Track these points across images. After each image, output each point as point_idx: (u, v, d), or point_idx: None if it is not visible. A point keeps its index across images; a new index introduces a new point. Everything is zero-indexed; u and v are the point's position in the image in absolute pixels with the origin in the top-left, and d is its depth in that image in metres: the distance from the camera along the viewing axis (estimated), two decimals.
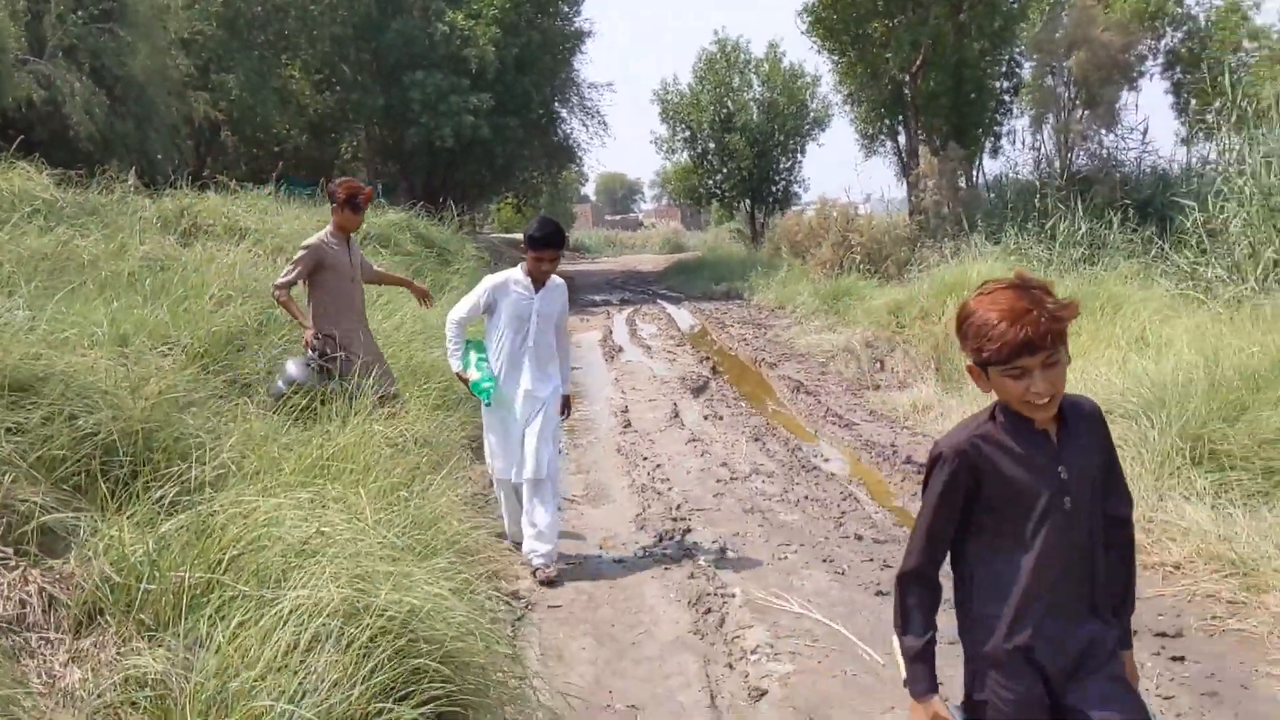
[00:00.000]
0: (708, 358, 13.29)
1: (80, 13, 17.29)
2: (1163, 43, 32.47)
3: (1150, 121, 63.86)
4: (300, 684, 2.76)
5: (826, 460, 7.87)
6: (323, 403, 5.40)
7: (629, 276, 32.33)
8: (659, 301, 23.08)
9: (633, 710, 3.96)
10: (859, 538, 5.89)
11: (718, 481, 7.25)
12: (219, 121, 21.88)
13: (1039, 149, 22.69)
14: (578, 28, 29.69)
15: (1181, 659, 4.19)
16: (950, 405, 8.88)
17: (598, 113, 31.63)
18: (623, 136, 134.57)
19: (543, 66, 26.79)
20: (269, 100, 22.75)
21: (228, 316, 6.78)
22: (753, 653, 4.39)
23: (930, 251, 18.94)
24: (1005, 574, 2.23)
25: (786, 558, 5.61)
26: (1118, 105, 21.48)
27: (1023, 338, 2.05)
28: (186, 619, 3.05)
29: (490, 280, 5.68)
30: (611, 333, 16.71)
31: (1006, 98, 27.25)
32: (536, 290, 5.58)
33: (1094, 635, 2.24)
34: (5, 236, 7.76)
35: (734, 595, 5.05)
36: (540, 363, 5.61)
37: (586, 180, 79.74)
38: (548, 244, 5.46)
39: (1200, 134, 20.41)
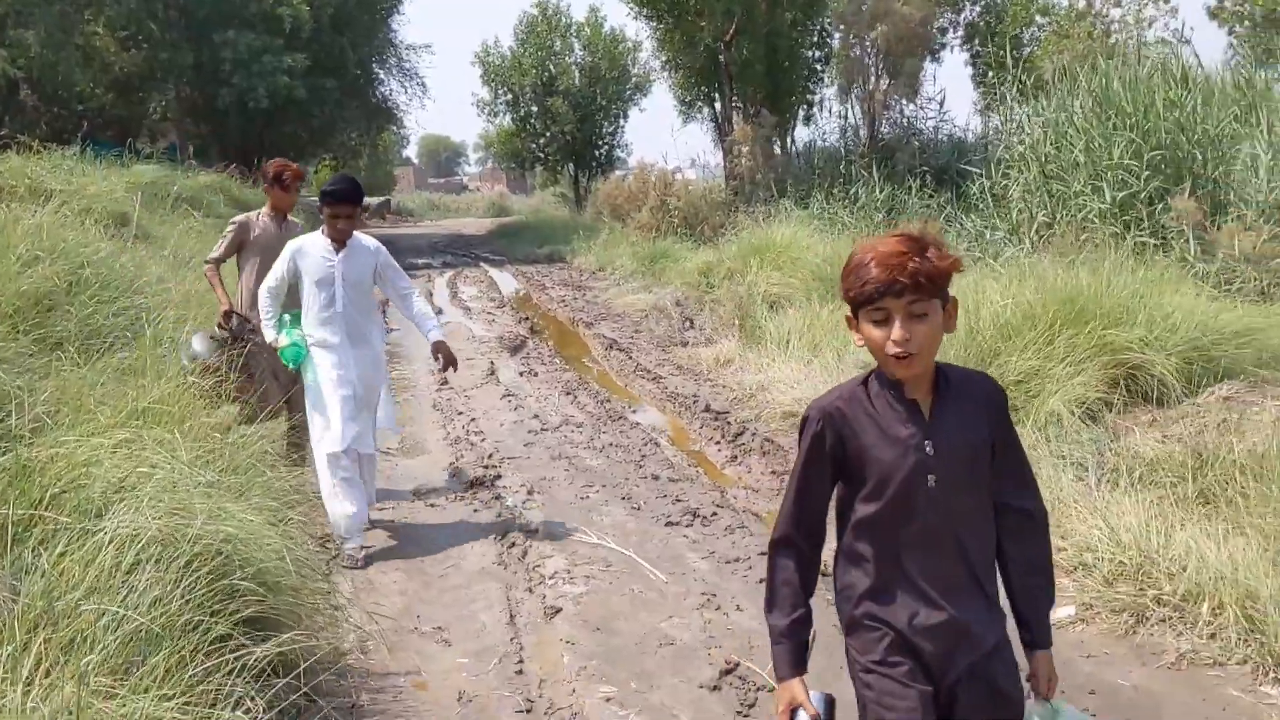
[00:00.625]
0: (526, 318, 13.66)
1: None
2: (962, 16, 34.25)
3: (952, 92, 66.93)
4: (123, 601, 3.06)
5: (633, 411, 8.38)
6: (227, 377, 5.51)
7: (452, 240, 32.29)
8: (481, 265, 23.25)
9: (438, 630, 4.35)
10: (655, 478, 6.41)
11: (529, 433, 7.66)
12: (17, 80, 20.88)
13: (845, 118, 23.83)
14: None
15: None
16: (750, 359, 9.49)
17: (416, 74, 31.39)
18: (446, 99, 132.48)
19: (360, 26, 26.44)
20: (71, 58, 21.84)
21: (36, 276, 6.77)
22: (550, 578, 4.84)
23: (745, 216, 19.67)
24: (865, 547, 2.13)
25: (588, 497, 6.08)
26: (919, 76, 22.71)
27: (888, 276, 1.97)
28: (11, 551, 3.28)
29: (292, 244, 5.48)
30: (432, 295, 16.85)
31: (819, 67, 28.21)
32: (338, 252, 5.37)
33: (970, 627, 2.09)
34: None
35: (536, 530, 5.49)
36: (354, 328, 5.39)
37: (408, 143, 78.58)
38: (338, 198, 5.27)
39: (994, 105, 21.78)
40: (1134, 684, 3.68)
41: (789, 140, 27.34)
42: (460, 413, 8.33)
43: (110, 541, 3.25)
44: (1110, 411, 6.09)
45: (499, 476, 6.54)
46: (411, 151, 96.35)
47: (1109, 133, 11.53)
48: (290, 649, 3.24)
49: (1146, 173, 10.68)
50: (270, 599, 3.47)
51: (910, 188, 16.86)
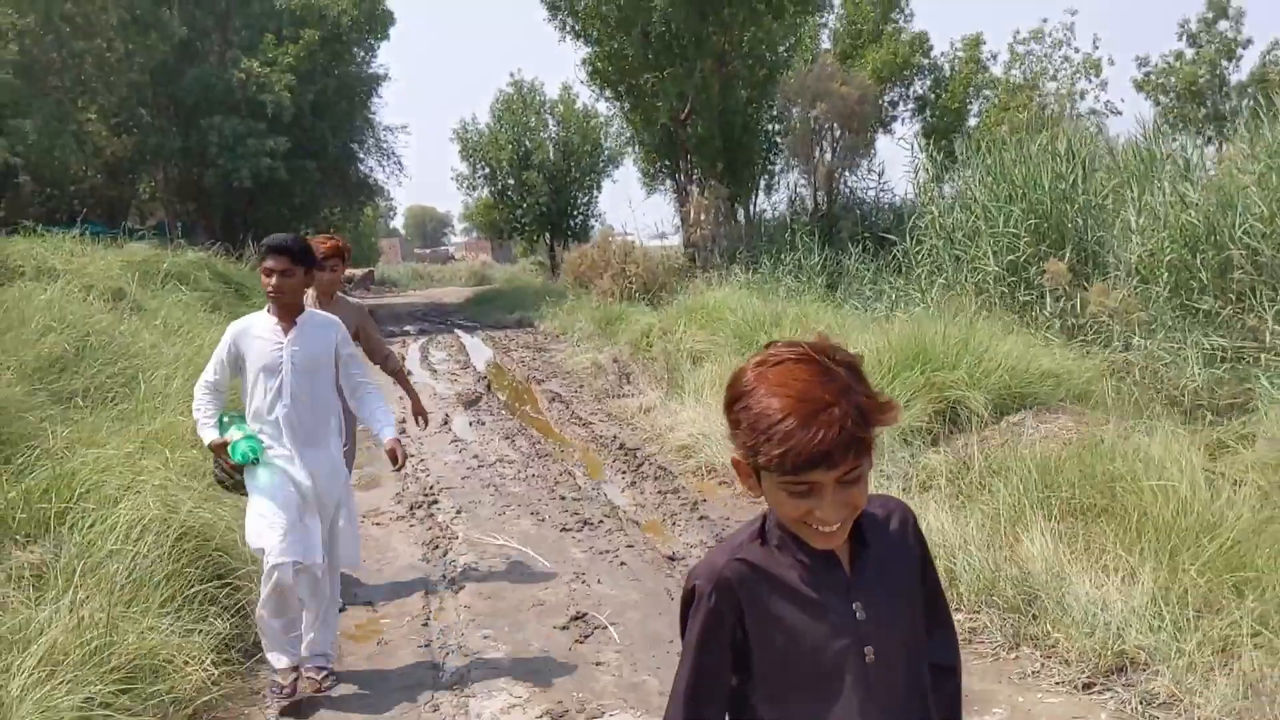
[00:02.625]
0: (485, 377, 15.06)
1: None
2: (911, 89, 36.26)
3: (901, 161, 69.20)
4: (131, 559, 4.42)
5: (561, 450, 9.75)
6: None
7: (431, 308, 33.74)
8: (455, 330, 24.69)
9: (369, 604, 5.69)
10: (563, 498, 7.78)
11: (467, 469, 9.03)
12: (15, 165, 22.42)
13: (793, 189, 25.57)
14: (373, 73, 31.15)
15: None
16: (669, 407, 10.86)
17: (394, 153, 33.15)
18: (433, 172, 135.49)
19: (339, 111, 28.21)
20: (66, 144, 23.44)
21: (50, 343, 8.17)
22: (460, 567, 6.20)
23: (700, 281, 21.15)
24: None
25: (504, 513, 7.45)
26: (859, 150, 24.43)
27: (818, 447, 1.46)
28: (54, 530, 4.65)
29: (232, 327, 4.49)
30: (404, 359, 18.24)
31: (778, 139, 29.91)
32: (287, 331, 4.39)
33: None
34: None
35: (458, 537, 6.85)
36: (305, 425, 4.41)
37: (395, 214, 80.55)
38: (270, 248, 4.37)
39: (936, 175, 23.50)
40: None
41: (751, 208, 29.05)
42: (412, 455, 9.68)
43: (122, 521, 4.63)
44: (929, 437, 7.49)
45: (436, 501, 7.89)
46: (399, 223, 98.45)
47: (1001, 204, 13.02)
48: (246, 595, 4.61)
49: (1027, 239, 12.11)
50: (232, 562, 4.84)
51: (850, 254, 18.24)
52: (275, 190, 26.80)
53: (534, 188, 44.09)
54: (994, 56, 35.84)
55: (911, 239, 15.16)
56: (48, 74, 23.68)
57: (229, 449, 4.33)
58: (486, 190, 46.95)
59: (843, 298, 15.68)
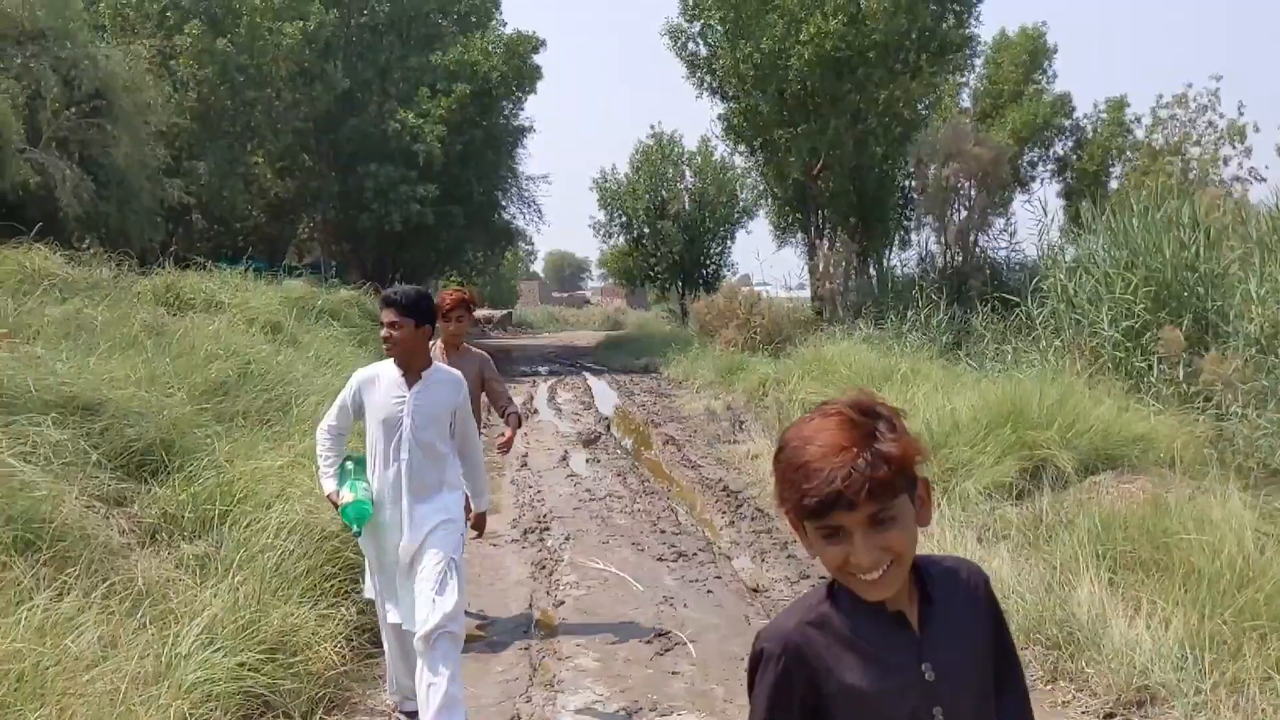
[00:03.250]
0: (605, 418, 15.79)
1: (72, 109, 19.72)
2: (1051, 150, 36.09)
3: (1042, 220, 68.73)
4: (280, 554, 5.19)
5: (668, 489, 10.35)
6: None
7: (563, 351, 34.83)
8: (583, 373, 25.58)
9: (482, 613, 6.37)
10: (662, 531, 8.37)
11: (579, 501, 9.70)
12: (189, 204, 24.26)
13: (922, 245, 25.80)
14: (519, 125, 32.59)
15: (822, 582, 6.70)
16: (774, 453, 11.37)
17: (534, 202, 34.49)
18: (572, 218, 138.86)
19: (485, 161, 29.60)
20: (236, 185, 25.28)
21: (216, 370, 9.16)
22: (563, 585, 6.84)
23: (824, 335, 21.56)
24: None
25: (608, 542, 8.08)
26: (992, 209, 24.56)
27: (832, 487, 1.52)
28: (216, 528, 5.46)
29: (358, 375, 4.55)
30: (533, 398, 19.16)
31: (915, 195, 30.09)
32: (411, 384, 4.40)
33: None
34: (34, 305, 10.18)
35: (563, 560, 7.50)
36: (421, 479, 4.39)
37: (535, 258, 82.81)
38: (386, 302, 4.42)
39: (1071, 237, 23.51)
40: None
41: (885, 262, 29.31)
42: (530, 486, 10.42)
43: (273, 523, 5.41)
44: (1013, 491, 7.85)
45: (547, 528, 8.57)
46: (539, 266, 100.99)
47: (1122, 270, 13.16)
48: None
49: (1146, 305, 12.17)
50: (363, 561, 5.57)
51: (978, 312, 18.21)
52: (423, 234, 28.28)
53: (668, 237, 45.03)
54: (1138, 119, 35.29)
55: (1034, 300, 15.38)
56: (221, 120, 25.57)
57: (339, 510, 4.38)
58: (622, 238, 48.17)
59: (964, 356, 15.86)
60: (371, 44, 28.78)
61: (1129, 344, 12.39)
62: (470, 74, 28.25)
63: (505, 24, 32.57)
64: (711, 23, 25.74)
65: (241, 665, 4.25)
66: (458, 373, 4.68)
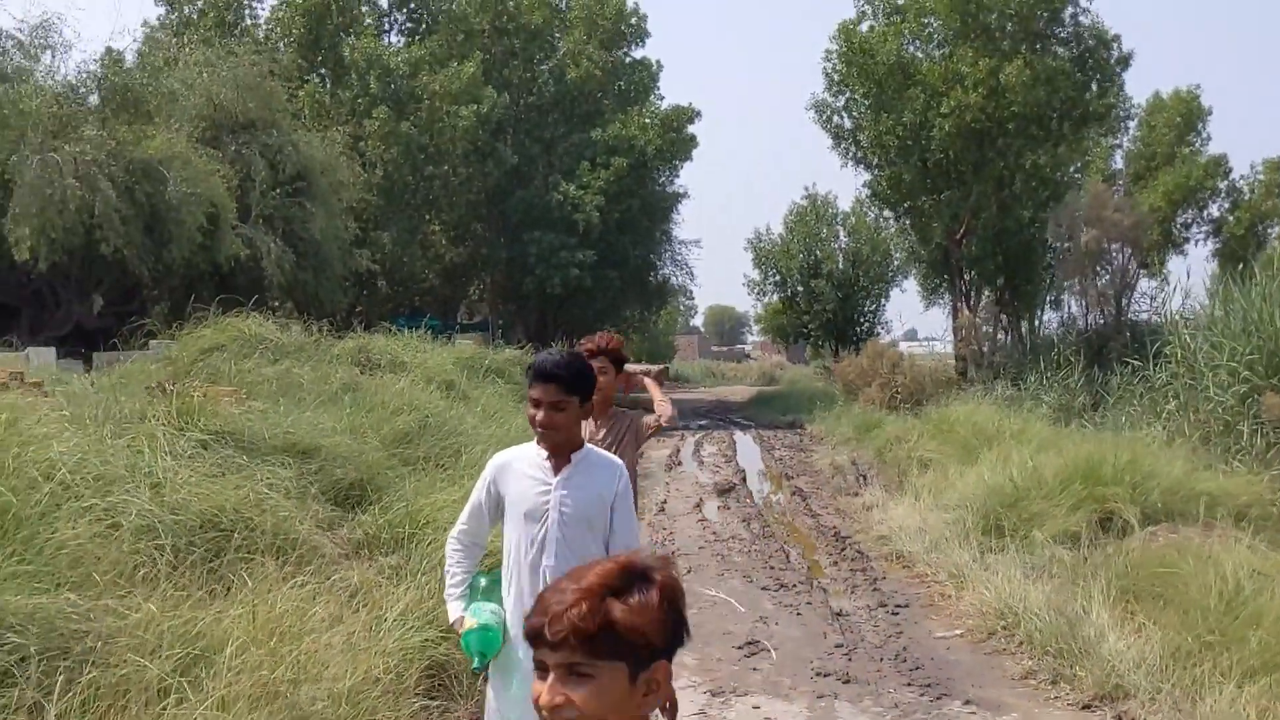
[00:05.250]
0: (742, 471, 17.17)
1: (277, 189, 22.40)
2: (1205, 212, 35.89)
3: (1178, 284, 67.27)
4: None
5: (786, 534, 11.66)
6: None
7: (714, 406, 36.29)
8: (731, 427, 26.98)
9: None
10: (772, 568, 9.72)
11: (705, 541, 11.11)
12: (375, 271, 26.86)
13: (1065, 308, 26.31)
14: (673, 191, 34.55)
15: (896, 610, 7.94)
16: (889, 507, 12.54)
17: (686, 264, 36.34)
18: (733, 274, 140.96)
19: (640, 227, 31.60)
20: (414, 252, 27.86)
21: (400, 422, 10.96)
22: None
23: (966, 394, 22.41)
24: None
25: (723, 575, 9.47)
26: (1134, 273, 25.01)
27: (540, 619, 1.58)
28: (404, 546, 7.11)
29: (493, 462, 3.76)
30: (679, 451, 20.68)
31: (1056, 260, 30.49)
32: (558, 469, 3.58)
33: None
34: (251, 365, 12.25)
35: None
36: None
37: (695, 313, 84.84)
38: (538, 374, 3.53)
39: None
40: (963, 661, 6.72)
41: (1034, 324, 29.81)
42: (664, 528, 11.89)
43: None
44: (1076, 539, 8.91)
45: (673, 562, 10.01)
46: (699, 320, 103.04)
47: (1235, 336, 13.84)
48: None
49: (1257, 372, 12.81)
50: None
51: (1116, 374, 18.65)
52: (581, 296, 30.38)
53: (821, 295, 46.11)
54: None
55: (1156, 364, 16.14)
56: (403, 194, 28.24)
57: (461, 639, 3.62)
58: (776, 296, 49.47)
59: (1097, 418, 16.48)
60: (538, 122, 31.24)
61: (1238, 409, 13.13)
62: (628, 148, 30.35)
63: (663, 98, 34.74)
64: (855, 97, 27.05)
65: (425, 640, 5.81)
66: (614, 459, 3.74)
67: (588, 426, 4.88)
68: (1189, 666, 5.60)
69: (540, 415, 3.48)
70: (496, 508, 3.68)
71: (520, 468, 3.61)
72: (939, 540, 9.58)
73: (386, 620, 5.82)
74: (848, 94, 27.25)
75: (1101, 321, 24.77)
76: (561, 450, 3.58)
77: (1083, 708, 5.64)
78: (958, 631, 7.44)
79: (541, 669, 1.59)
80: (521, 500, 3.57)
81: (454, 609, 3.75)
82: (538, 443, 3.58)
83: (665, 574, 1.66)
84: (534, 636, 1.58)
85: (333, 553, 6.81)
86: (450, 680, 5.77)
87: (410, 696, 5.26)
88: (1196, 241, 35.58)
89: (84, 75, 21.78)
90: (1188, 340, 15.47)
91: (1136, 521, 8.92)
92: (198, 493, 6.33)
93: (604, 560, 1.64)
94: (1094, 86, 26.48)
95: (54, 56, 21.47)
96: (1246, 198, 35.09)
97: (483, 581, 3.77)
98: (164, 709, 3.85)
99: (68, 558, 4.73)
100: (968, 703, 5.94)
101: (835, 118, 27.78)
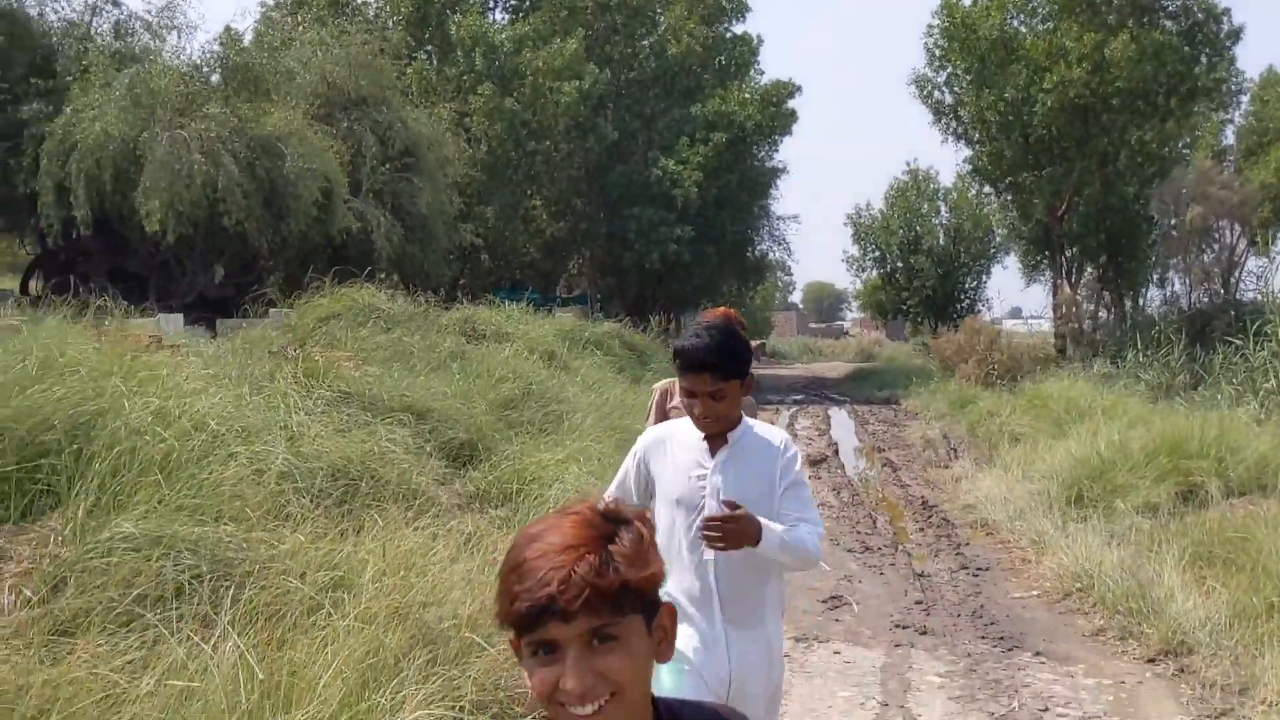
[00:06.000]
0: (835, 443, 17.51)
1: (387, 165, 23.22)
2: None
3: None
4: None
5: (875, 503, 12.01)
6: None
7: (810, 381, 36.49)
8: (826, 403, 27.24)
9: None
10: (859, 533, 10.11)
11: None
12: (478, 245, 27.65)
13: (1169, 286, 25.93)
14: (772, 167, 34.74)
15: (977, 572, 8.29)
16: (978, 478, 12.80)
17: (784, 240, 36.51)
18: (832, 250, 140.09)
19: (738, 202, 31.90)
20: (516, 227, 28.58)
21: (506, 388, 11.58)
22: None
23: (1062, 371, 22.36)
24: None
25: None
26: (1241, 251, 24.58)
27: (545, 590, 1.31)
28: (513, 500, 7.70)
29: (644, 437, 3.33)
30: (774, 424, 21.06)
31: (1160, 236, 29.97)
32: (716, 451, 3.11)
33: None
34: (366, 334, 12.97)
35: None
36: (733, 590, 3.06)
37: (793, 289, 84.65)
38: (689, 363, 3.03)
39: None
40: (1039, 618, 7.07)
41: (1139, 301, 29.43)
42: None
43: (552, 496, 7.60)
44: (1159, 510, 9.12)
45: None
46: (797, 297, 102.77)
47: None
48: None
49: None
50: None
51: (1219, 353, 18.44)
52: (679, 271, 30.82)
53: (921, 271, 45.81)
54: None
55: (1256, 343, 16.08)
56: (507, 170, 28.93)
57: None
58: (875, 272, 49.26)
59: (1196, 396, 16.39)
60: (639, 98, 31.67)
61: None
62: (727, 123, 30.66)
63: (763, 73, 34.91)
64: (956, 72, 26.96)
65: None
66: (776, 430, 3.31)
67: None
68: (1253, 626, 5.88)
69: (698, 408, 3.03)
70: (646, 488, 3.21)
71: (674, 448, 3.16)
72: (1023, 509, 9.86)
73: (498, 564, 6.39)
74: (949, 69, 27.17)
75: (1206, 300, 24.42)
76: (719, 429, 3.10)
77: (1147, 661, 5.96)
78: (1034, 592, 7.78)
79: (547, 652, 1.36)
80: (674, 484, 3.11)
81: None
82: (707, 439, 3.11)
83: (633, 510, 1.45)
84: (539, 614, 1.33)
85: (448, 503, 7.42)
86: None
87: None
88: None
89: (207, 55, 22.83)
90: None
91: (1219, 494, 9.11)
92: (328, 445, 6.96)
93: (560, 514, 1.42)
94: (1203, 61, 25.99)
95: (179, 37, 22.59)
96: None
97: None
98: (314, 622, 4.44)
99: (224, 495, 5.38)
100: (1037, 654, 6.31)
101: (936, 93, 27.74)
